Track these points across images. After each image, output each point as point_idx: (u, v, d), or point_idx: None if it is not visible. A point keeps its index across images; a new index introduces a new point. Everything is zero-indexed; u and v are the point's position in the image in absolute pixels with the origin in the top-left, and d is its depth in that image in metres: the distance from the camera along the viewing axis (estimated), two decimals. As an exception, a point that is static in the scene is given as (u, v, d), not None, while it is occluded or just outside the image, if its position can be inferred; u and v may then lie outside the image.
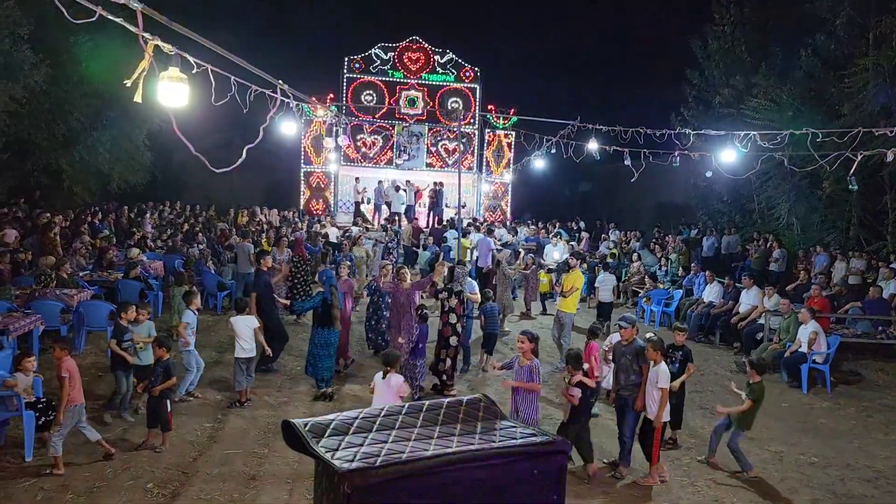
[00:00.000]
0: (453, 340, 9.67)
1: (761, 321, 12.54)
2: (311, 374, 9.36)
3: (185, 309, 9.04)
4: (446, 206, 24.40)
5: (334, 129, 17.44)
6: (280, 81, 8.24)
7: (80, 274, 12.70)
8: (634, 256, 18.51)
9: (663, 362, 7.13)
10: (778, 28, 20.69)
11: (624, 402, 7.27)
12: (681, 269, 17.22)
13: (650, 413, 7.06)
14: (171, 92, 5.22)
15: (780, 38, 20.37)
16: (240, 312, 8.96)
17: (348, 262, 11.97)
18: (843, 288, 13.69)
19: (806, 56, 18.00)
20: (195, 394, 8.92)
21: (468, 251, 16.94)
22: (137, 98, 4.93)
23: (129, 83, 4.85)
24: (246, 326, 8.74)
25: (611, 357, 7.98)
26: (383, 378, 6.82)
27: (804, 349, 10.81)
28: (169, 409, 7.37)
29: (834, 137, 10.71)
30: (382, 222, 23.04)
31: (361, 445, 2.81)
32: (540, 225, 24.05)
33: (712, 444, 7.74)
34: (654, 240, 21.34)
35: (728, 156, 12.31)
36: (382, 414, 3.04)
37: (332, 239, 19.53)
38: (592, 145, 14.59)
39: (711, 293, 14.36)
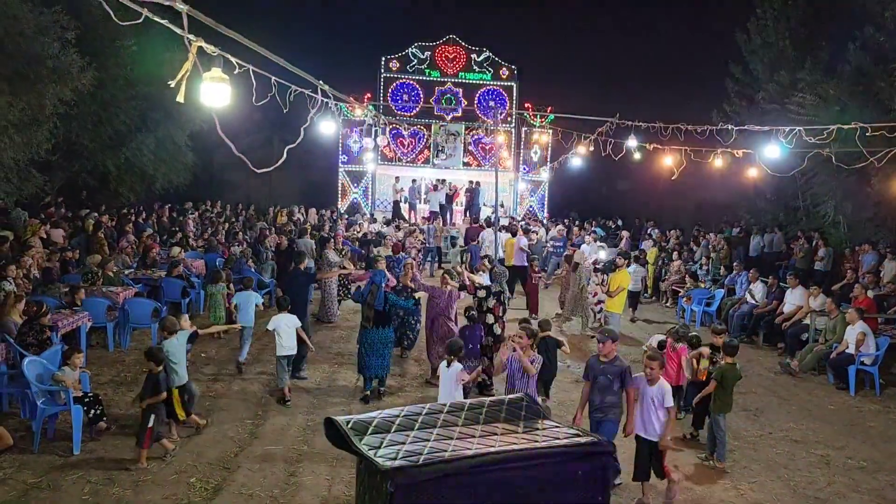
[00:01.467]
0: (488, 340, 9.68)
1: (806, 321, 12.25)
2: (360, 373, 9.36)
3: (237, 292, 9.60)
4: (483, 204, 24.37)
5: (373, 128, 17.56)
6: (321, 82, 8.31)
7: (125, 272, 12.99)
8: (675, 255, 18.25)
9: (663, 379, 6.41)
10: (824, 22, 20.13)
11: (597, 424, 6.36)
12: (722, 268, 16.89)
13: (653, 435, 6.30)
14: (214, 92, 5.29)
15: (826, 31, 19.81)
16: (281, 311, 9.10)
17: (382, 259, 12.02)
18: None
19: (854, 50, 17.48)
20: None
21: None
22: (180, 98, 5.01)
23: (173, 84, 4.94)
24: (287, 325, 8.90)
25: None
26: (447, 367, 7.14)
27: (851, 350, 10.52)
28: (150, 424, 6.82)
29: (884, 132, 10.38)
30: (418, 221, 23.15)
31: (404, 444, 2.80)
32: (577, 224, 23.84)
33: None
34: (692, 238, 20.98)
35: (772, 152, 12.04)
36: (424, 412, 3.03)
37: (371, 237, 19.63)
38: (631, 143, 14.39)
39: (755, 292, 14.07)
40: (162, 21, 4.98)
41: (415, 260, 14.43)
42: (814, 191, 19.06)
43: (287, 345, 8.87)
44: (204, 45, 5.08)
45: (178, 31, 4.91)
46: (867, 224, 17.87)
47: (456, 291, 9.95)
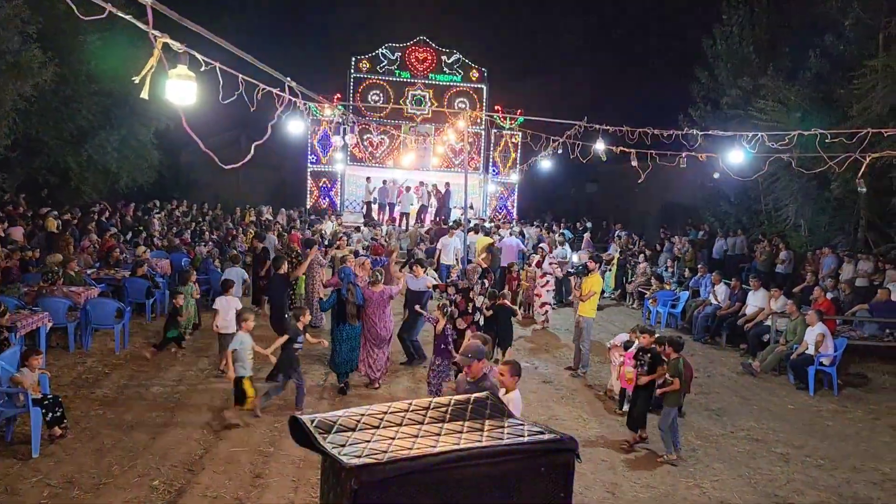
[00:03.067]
0: (454, 334, 9.88)
1: (768, 323, 12.50)
2: (332, 368, 9.68)
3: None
4: (453, 207, 24.47)
5: (342, 127, 17.52)
6: (288, 79, 8.25)
7: (87, 272, 12.74)
8: (641, 258, 18.49)
9: (517, 390, 5.82)
10: (786, 29, 20.61)
11: None
12: (687, 270, 17.16)
13: None
14: (179, 90, 5.22)
15: (788, 39, 20.29)
16: (225, 292, 10.04)
17: (350, 257, 12.17)
18: (847, 287, 13.65)
19: (815, 57, 17.92)
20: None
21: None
22: (144, 95, 4.94)
23: (137, 80, 4.87)
24: (228, 305, 9.76)
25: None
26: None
27: (811, 351, 10.77)
28: None
29: (842, 139, 10.65)
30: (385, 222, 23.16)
31: (368, 442, 2.81)
32: (544, 226, 24.01)
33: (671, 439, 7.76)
34: (659, 241, 21.27)
35: (736, 157, 12.26)
36: (389, 411, 3.04)
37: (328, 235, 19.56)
38: (599, 146, 14.53)
39: (718, 294, 14.32)
40: (126, 16, 4.90)
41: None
42: (775, 195, 19.49)
43: (221, 324, 9.76)
44: (170, 41, 5.02)
45: (142, 26, 4.84)
46: (827, 228, 18.33)
47: (388, 290, 9.84)
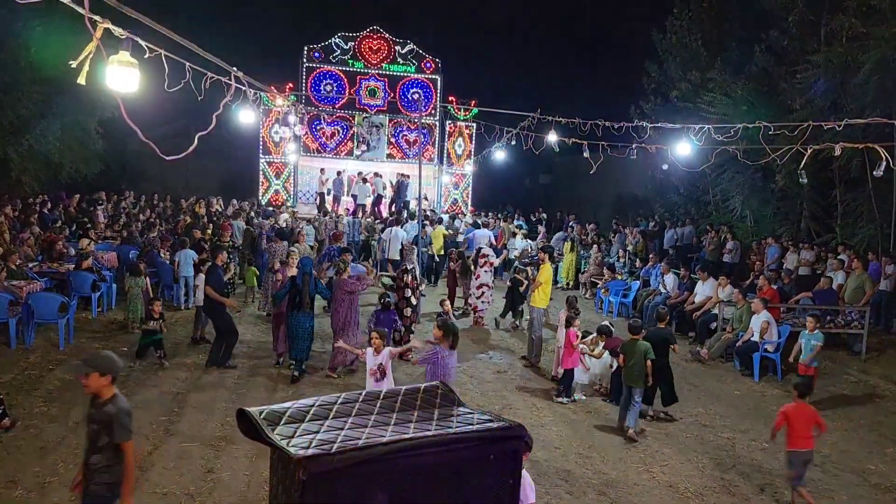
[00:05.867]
0: (407, 311, 10.56)
1: (715, 311, 12.81)
2: (291, 357, 9.75)
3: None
4: (408, 199, 24.36)
5: (290, 117, 17.29)
6: (234, 68, 8.09)
7: (30, 265, 12.34)
8: (594, 248, 18.74)
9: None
10: (733, 24, 21.09)
11: None
12: (638, 260, 17.47)
13: None
14: (121, 77, 5.07)
15: (735, 33, 20.76)
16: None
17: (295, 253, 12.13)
18: (786, 276, 14.08)
19: (760, 52, 18.38)
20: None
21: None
22: (81, 80, 4.78)
23: (74, 64, 4.70)
24: (200, 282, 10.49)
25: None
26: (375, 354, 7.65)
27: (756, 338, 11.08)
28: None
29: (785, 131, 10.94)
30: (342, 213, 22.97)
31: (317, 432, 2.79)
32: (500, 217, 24.12)
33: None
34: (612, 232, 21.60)
35: (684, 149, 12.50)
36: (339, 401, 3.03)
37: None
38: (552, 137, 14.65)
39: (667, 284, 14.60)
40: (64, 0, 4.73)
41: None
42: (723, 186, 19.97)
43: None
44: (111, 27, 4.86)
45: (81, 11, 4.68)
46: (771, 218, 18.86)
47: (350, 280, 9.94)
